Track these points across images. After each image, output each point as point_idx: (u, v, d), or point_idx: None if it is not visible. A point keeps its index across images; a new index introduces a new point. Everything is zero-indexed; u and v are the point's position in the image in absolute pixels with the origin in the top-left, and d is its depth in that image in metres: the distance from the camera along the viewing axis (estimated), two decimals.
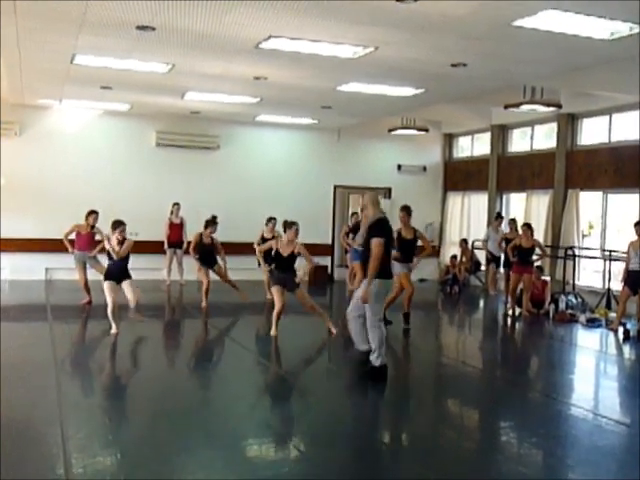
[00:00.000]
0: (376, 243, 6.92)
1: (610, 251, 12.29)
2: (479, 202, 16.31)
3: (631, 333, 10.14)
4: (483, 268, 15.36)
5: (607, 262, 12.28)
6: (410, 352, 9.60)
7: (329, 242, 16.42)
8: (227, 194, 15.19)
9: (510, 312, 11.75)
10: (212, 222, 11.12)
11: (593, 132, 13.45)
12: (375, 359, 7.07)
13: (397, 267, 9.36)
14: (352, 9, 6.76)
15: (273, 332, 9.01)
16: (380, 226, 7.09)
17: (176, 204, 14.00)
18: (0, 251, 13.58)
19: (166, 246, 13.86)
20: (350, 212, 16.01)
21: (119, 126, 14.80)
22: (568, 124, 13.62)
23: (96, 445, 5.07)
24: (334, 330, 9.24)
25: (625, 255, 10.63)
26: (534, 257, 11.64)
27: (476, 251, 15.61)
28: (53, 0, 6.82)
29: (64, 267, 13.88)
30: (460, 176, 17.08)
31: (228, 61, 9.31)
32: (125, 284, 9.14)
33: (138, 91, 11.95)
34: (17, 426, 5.35)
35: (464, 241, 15.76)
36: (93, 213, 11.15)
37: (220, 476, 4.63)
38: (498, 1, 6.36)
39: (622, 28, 7.04)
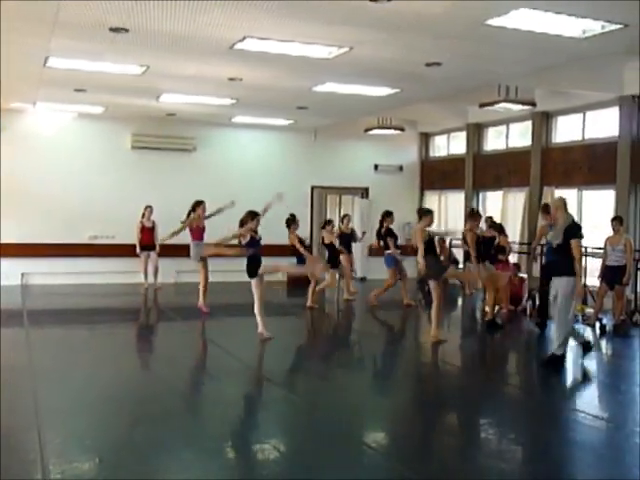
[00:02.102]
0: (576, 244, 7.66)
1: (586, 247, 12.38)
2: (456, 201, 16.38)
3: (607, 328, 10.25)
4: (461, 266, 15.41)
5: (583, 258, 12.37)
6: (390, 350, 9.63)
7: (307, 243, 16.38)
8: (204, 196, 15.03)
9: (487, 309, 11.80)
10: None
11: (567, 130, 13.57)
12: (557, 348, 7.76)
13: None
14: (327, 9, 6.77)
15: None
16: (577, 228, 7.79)
17: (148, 207, 13.87)
18: None
19: (138, 250, 13.70)
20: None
21: (94, 129, 14.67)
22: (543, 122, 13.74)
23: (74, 450, 5.03)
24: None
25: (602, 251, 10.74)
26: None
27: (454, 249, 15.66)
28: (25, 0, 6.74)
29: (40, 272, 13.81)
30: (437, 175, 17.15)
31: (203, 62, 9.28)
32: None
33: (113, 93, 11.86)
34: None
35: (442, 239, 15.80)
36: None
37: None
38: (471, 0, 6.39)
39: (594, 26, 7.12)
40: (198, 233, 11.05)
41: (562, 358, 7.90)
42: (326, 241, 12.37)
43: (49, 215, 13.94)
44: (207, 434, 5.44)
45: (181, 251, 11.57)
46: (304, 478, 4.62)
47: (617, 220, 10.45)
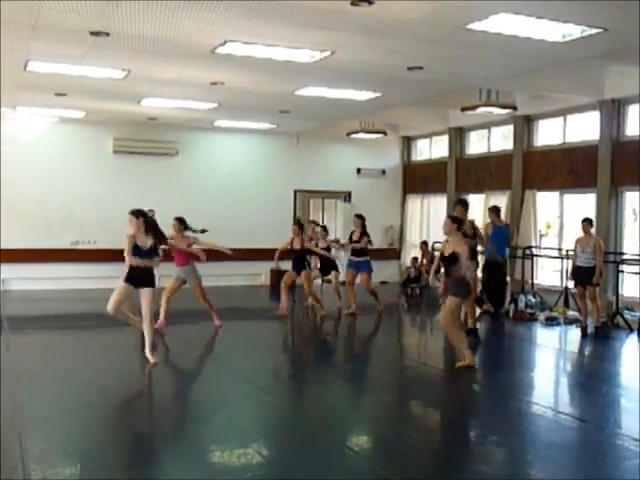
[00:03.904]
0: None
1: (567, 250, 12.48)
2: (438, 204, 16.43)
3: (588, 330, 10.32)
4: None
5: (564, 261, 12.47)
6: (373, 353, 9.64)
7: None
8: (186, 200, 15.02)
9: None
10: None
11: (548, 133, 13.67)
12: None
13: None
14: (307, 13, 6.77)
15: None
16: None
17: (151, 211, 13.72)
18: None
19: None
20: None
21: (75, 133, 14.57)
22: (524, 126, 13.83)
23: (55, 456, 4.99)
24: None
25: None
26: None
27: (436, 253, 15.71)
28: (6, 1, 6.68)
29: (20, 277, 13.70)
30: (419, 179, 17.20)
31: (184, 66, 9.26)
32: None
33: (94, 97, 11.80)
34: None
35: (424, 243, 15.87)
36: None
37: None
38: (451, 5, 6.42)
39: (574, 30, 7.17)
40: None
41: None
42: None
43: (30, 220, 13.82)
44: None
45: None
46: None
47: (587, 221, 10.50)
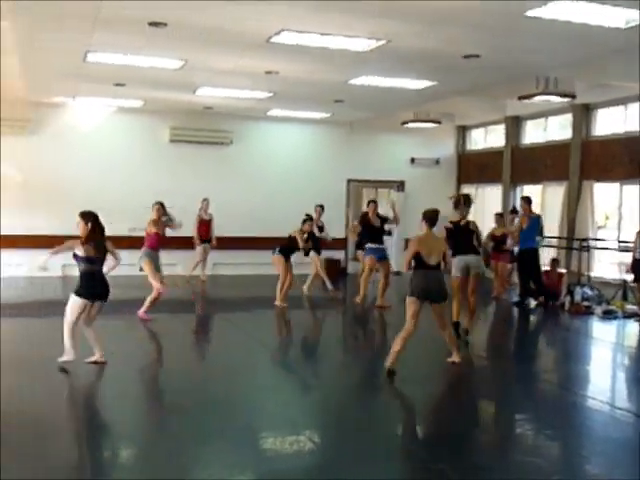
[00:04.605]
0: None
1: (626, 242, 12.21)
2: (493, 194, 16.22)
3: None
4: None
5: (623, 253, 12.20)
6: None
7: (342, 236, 16.40)
8: (240, 189, 15.22)
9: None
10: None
11: (608, 122, 13.34)
12: None
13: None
14: (364, 2, 6.74)
15: None
16: None
17: (205, 200, 14.00)
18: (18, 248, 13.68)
19: (198, 242, 13.90)
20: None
21: (133, 122, 14.85)
22: (583, 114, 13.52)
23: (113, 440, 5.12)
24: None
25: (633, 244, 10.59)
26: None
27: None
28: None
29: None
30: (474, 168, 17.00)
31: (240, 56, 9.32)
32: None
33: (151, 87, 11.99)
34: None
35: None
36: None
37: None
38: None
39: (637, 16, 6.97)
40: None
41: None
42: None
43: (89, 208, 14.09)
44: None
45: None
46: None
47: None
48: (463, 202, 8.95)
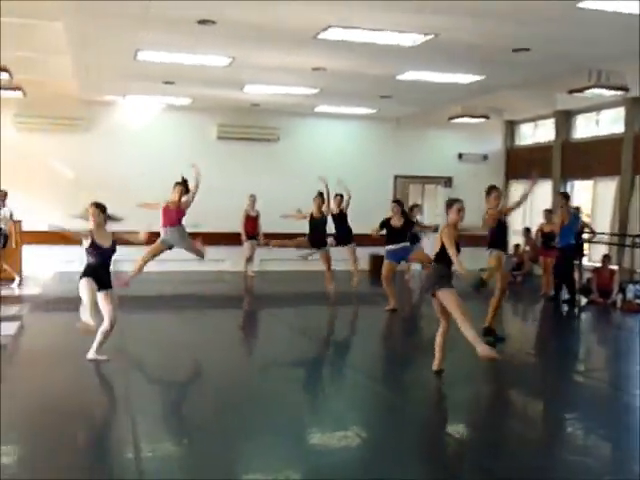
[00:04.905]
0: None
1: None
2: (542, 190, 15.95)
3: None
4: None
5: None
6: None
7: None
8: (287, 185, 15.26)
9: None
10: None
11: None
12: None
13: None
14: None
15: None
16: None
17: (252, 196, 14.11)
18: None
19: (245, 238, 14.02)
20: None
21: (181, 120, 15.05)
22: (636, 108, 13.21)
23: (161, 431, 5.19)
24: None
25: None
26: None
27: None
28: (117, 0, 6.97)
29: (129, 259, 14.22)
30: (522, 164, 16.74)
31: (287, 53, 9.35)
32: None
33: (200, 85, 12.12)
34: None
35: (527, 230, 15.48)
36: None
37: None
38: None
39: None
40: None
41: None
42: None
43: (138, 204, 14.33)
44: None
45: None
46: None
47: None
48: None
